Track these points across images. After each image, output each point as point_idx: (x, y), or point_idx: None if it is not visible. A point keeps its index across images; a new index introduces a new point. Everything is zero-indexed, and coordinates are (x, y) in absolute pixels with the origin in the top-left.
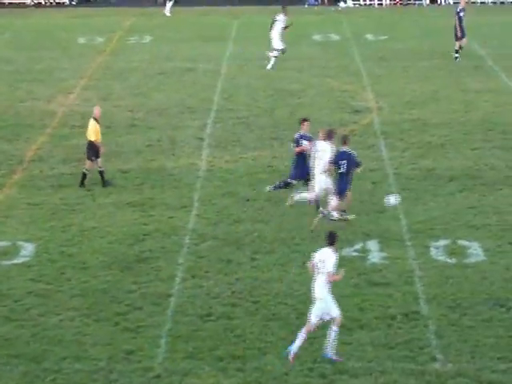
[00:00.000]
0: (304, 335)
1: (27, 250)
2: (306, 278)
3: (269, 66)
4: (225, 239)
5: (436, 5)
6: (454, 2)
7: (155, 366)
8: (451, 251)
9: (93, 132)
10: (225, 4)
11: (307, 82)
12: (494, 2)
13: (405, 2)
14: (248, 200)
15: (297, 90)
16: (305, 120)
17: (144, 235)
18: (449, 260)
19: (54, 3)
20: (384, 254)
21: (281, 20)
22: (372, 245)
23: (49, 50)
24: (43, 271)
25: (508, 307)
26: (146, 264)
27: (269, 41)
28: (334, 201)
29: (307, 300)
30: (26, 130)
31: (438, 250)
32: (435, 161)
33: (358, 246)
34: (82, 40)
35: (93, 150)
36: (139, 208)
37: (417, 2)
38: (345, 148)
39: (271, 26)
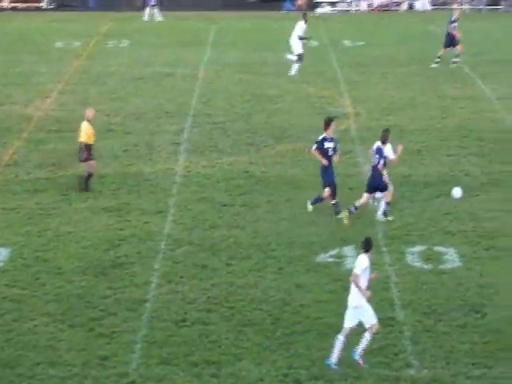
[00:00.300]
0: (341, 340)
1: (2, 254)
2: (282, 284)
3: (293, 72)
4: (200, 245)
5: (413, 11)
6: (433, 9)
7: (130, 372)
8: (427, 257)
9: (85, 134)
10: (203, 9)
11: (285, 88)
12: (471, 9)
13: (382, 9)
14: (225, 205)
15: (274, 95)
16: (331, 120)
17: (120, 240)
18: (424, 266)
19: (32, 7)
20: None
21: (300, 27)
22: (348, 250)
23: (26, 53)
24: (18, 276)
25: (483, 313)
26: (121, 269)
27: (289, 47)
28: (383, 200)
29: (283, 306)
30: (3, 134)
31: (413, 256)
32: (411, 167)
33: (334, 252)
34: (59, 44)
35: (87, 152)
36: (115, 213)
37: (395, 9)
38: (382, 146)
39: (292, 33)
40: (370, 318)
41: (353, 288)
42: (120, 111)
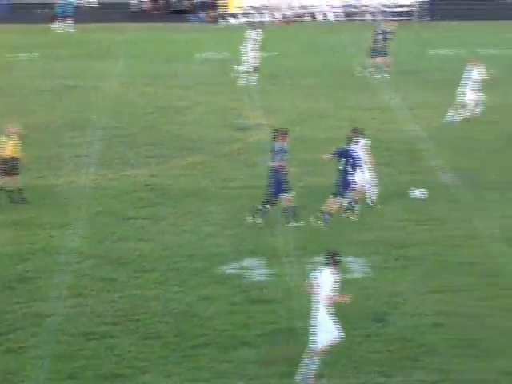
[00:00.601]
0: (317, 358)
1: None
2: (185, 296)
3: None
4: (106, 258)
5: (322, 22)
6: (336, 20)
7: None
8: None
9: (13, 148)
10: (112, 21)
11: (194, 100)
12: (374, 20)
13: (292, 20)
14: (130, 218)
15: (183, 107)
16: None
17: (26, 254)
18: None
19: None
20: (266, 271)
21: (253, 36)
22: (251, 262)
23: None
24: None
25: (391, 322)
26: (27, 283)
27: (242, 57)
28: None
29: (186, 318)
30: None
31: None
32: (321, 177)
33: (239, 264)
34: None
35: (10, 167)
36: (22, 227)
37: (303, 19)
38: (347, 146)
39: (245, 43)
40: (326, 339)
41: (321, 307)
42: (27, 124)
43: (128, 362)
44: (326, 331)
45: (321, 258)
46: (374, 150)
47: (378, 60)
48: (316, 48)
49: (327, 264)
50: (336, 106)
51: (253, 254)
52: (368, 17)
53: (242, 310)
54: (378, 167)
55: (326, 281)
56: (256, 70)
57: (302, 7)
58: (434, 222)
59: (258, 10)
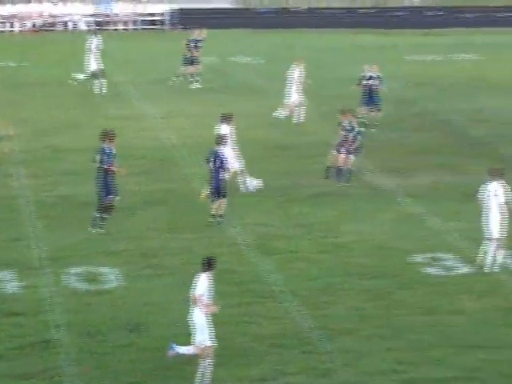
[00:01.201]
0: (193, 352)
1: None
2: None
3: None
4: None
5: (74, 31)
6: (87, 28)
7: None
8: (89, 278)
9: None
10: None
11: None
12: (135, 29)
13: (42, 29)
14: None
15: None
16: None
17: None
18: (88, 287)
19: None
20: (19, 283)
21: (94, 43)
22: (6, 274)
23: None
24: None
25: (146, 332)
26: None
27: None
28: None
29: None
30: None
31: (76, 277)
32: (74, 187)
33: None
34: None
35: None
36: None
37: (56, 29)
38: (217, 148)
39: (87, 52)
40: (204, 339)
41: (196, 308)
42: None
43: None
44: (202, 333)
45: (73, 269)
46: (129, 159)
47: (191, 69)
48: (66, 57)
49: (204, 269)
50: (90, 116)
51: (6, 266)
52: (120, 26)
53: None
54: (133, 176)
55: (200, 285)
56: (98, 76)
57: (53, 16)
58: (186, 231)
59: (8, 18)
